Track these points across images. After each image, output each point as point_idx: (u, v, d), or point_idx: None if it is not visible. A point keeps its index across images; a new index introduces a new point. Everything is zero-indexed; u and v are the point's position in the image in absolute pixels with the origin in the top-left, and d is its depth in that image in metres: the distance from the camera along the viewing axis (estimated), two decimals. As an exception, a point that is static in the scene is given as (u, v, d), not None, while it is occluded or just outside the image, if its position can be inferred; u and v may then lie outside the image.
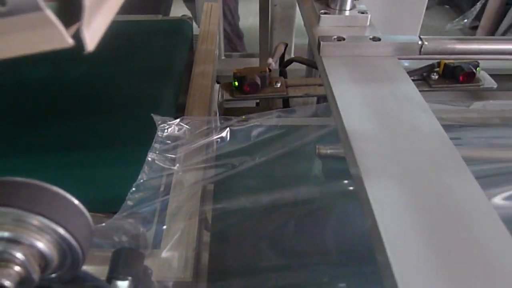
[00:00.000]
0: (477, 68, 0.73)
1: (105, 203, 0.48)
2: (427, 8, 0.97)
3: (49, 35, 0.25)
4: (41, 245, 0.28)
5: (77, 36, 0.26)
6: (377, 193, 0.32)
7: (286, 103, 0.85)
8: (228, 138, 0.55)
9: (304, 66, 1.08)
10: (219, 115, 0.73)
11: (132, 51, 0.82)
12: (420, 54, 0.52)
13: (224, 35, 1.66)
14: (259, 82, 0.71)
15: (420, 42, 0.51)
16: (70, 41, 0.25)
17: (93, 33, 0.27)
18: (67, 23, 0.26)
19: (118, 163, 0.56)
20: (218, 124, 0.54)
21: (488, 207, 0.31)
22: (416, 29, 0.99)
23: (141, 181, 0.45)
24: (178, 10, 1.70)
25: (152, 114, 0.55)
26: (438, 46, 0.52)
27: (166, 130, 0.52)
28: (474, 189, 0.33)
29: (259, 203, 0.51)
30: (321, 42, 0.52)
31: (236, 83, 0.73)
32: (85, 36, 0.26)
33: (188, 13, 1.59)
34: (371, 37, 0.52)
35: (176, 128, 0.53)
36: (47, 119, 0.63)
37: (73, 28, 0.27)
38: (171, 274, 0.41)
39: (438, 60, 0.75)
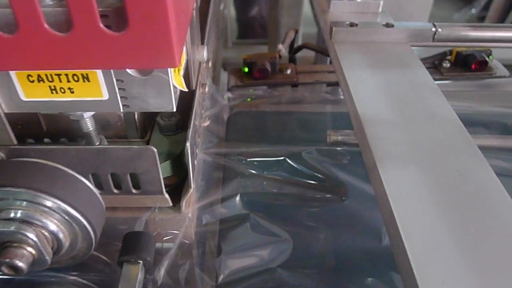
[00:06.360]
0: (490, 57, 0.72)
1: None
2: (435, -3, 0.96)
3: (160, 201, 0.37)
4: (53, 226, 0.27)
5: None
6: (392, 179, 0.32)
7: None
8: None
9: (312, 54, 1.07)
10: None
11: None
12: (433, 41, 0.51)
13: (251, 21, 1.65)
14: (269, 68, 0.70)
15: (433, 29, 0.51)
16: (170, 204, 0.37)
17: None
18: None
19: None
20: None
21: (503, 191, 0.31)
22: (424, 18, 0.97)
23: None
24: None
25: None
26: (452, 33, 0.51)
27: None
28: (488, 174, 0.32)
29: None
30: (333, 28, 0.51)
31: (246, 69, 0.72)
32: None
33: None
34: (384, 23, 0.52)
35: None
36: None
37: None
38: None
39: (450, 48, 0.74)
